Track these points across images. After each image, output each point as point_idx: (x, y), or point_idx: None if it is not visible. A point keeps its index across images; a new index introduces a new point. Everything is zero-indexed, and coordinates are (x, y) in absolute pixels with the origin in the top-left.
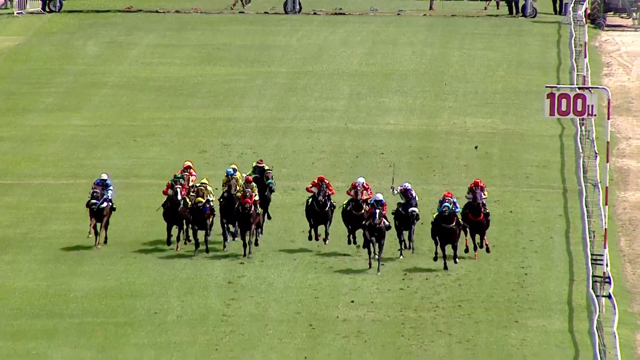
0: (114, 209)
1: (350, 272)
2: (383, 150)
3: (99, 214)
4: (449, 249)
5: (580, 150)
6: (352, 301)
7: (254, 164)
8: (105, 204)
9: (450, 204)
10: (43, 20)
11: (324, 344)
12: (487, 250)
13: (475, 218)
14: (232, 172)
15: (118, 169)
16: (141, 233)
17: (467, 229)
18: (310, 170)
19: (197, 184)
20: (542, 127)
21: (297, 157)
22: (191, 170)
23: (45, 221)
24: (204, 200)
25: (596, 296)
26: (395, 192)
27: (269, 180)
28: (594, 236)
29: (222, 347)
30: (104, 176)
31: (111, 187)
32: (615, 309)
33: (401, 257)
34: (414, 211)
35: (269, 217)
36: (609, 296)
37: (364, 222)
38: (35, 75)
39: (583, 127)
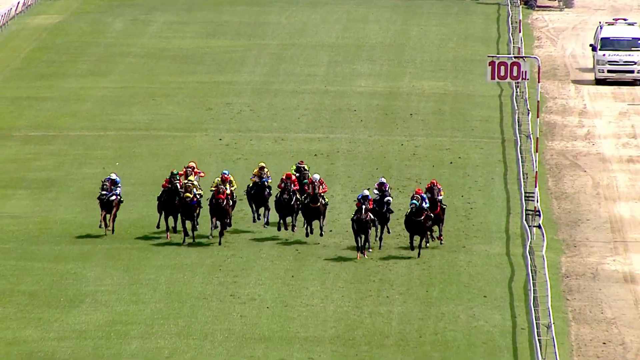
0: (122, 201)
1: (330, 207)
2: (355, 108)
3: (109, 205)
4: (418, 239)
5: (516, 108)
6: (331, 230)
7: (296, 164)
8: (114, 197)
9: (418, 201)
10: (79, 2)
11: (307, 265)
12: (440, 242)
13: (433, 211)
14: (227, 172)
15: (140, 123)
16: (159, 176)
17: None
18: (296, 124)
19: (186, 182)
20: (485, 89)
21: (286, 113)
22: (196, 170)
23: (81, 165)
24: (191, 195)
25: (528, 226)
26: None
27: (305, 180)
28: (527, 177)
29: (224, 267)
30: (113, 175)
31: (119, 185)
32: (544, 236)
33: (380, 249)
34: (389, 200)
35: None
36: (539, 226)
37: (352, 216)
38: (73, 47)
39: (518, 89)
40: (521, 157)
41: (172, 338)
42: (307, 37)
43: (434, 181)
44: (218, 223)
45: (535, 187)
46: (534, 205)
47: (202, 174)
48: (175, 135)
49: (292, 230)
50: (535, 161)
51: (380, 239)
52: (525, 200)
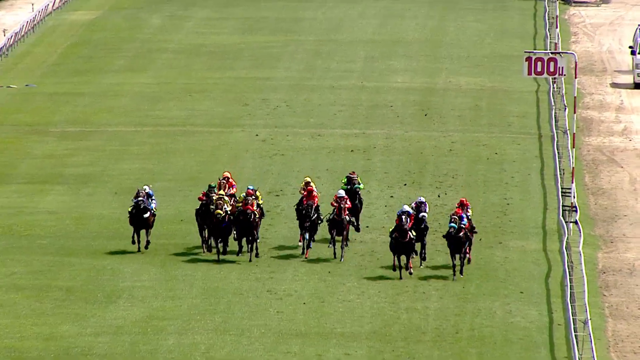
0: (155, 215)
1: (366, 203)
2: (392, 104)
3: (144, 224)
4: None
5: (553, 103)
6: (367, 226)
7: (347, 175)
8: (147, 214)
9: (456, 223)
10: None
11: (344, 261)
12: (468, 262)
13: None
14: (252, 187)
15: (176, 119)
16: (195, 171)
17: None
18: (332, 120)
19: (218, 197)
20: (522, 85)
21: (322, 109)
22: (230, 181)
23: (117, 161)
24: (222, 213)
25: (565, 222)
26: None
27: (356, 185)
28: (563, 173)
29: (261, 263)
30: (146, 188)
31: (154, 198)
32: (580, 232)
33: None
34: (424, 216)
35: (357, 229)
36: (576, 222)
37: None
38: (110, 43)
39: (555, 85)
40: (558, 152)
41: (208, 334)
42: (343, 33)
43: (463, 199)
44: (244, 242)
45: (572, 182)
46: (570, 201)
47: (234, 188)
48: (211, 131)
49: (308, 246)
50: (572, 157)
51: (422, 256)
52: (562, 196)
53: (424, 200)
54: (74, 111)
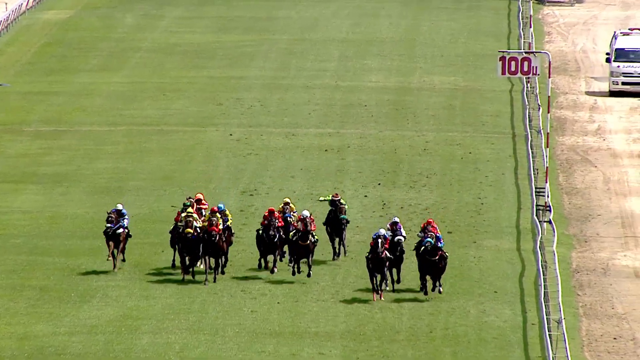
0: (130, 236)
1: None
2: (366, 103)
3: (116, 239)
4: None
5: (526, 103)
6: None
7: (331, 197)
8: (120, 230)
9: (433, 239)
10: None
11: (318, 261)
12: (439, 292)
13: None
14: (222, 207)
15: (150, 118)
16: (169, 170)
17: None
18: (307, 119)
19: (186, 215)
20: (495, 84)
21: (296, 108)
22: (202, 202)
23: (91, 160)
24: (192, 231)
25: (539, 221)
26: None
27: (342, 215)
28: (537, 173)
29: (235, 262)
30: (119, 206)
31: (127, 217)
32: (554, 231)
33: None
34: (400, 240)
35: (345, 253)
36: (550, 221)
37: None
38: (83, 42)
39: (528, 84)
40: (532, 152)
41: (182, 333)
42: (317, 32)
43: (431, 220)
44: (212, 262)
45: (546, 182)
46: (544, 201)
47: (205, 207)
48: (185, 130)
49: (272, 272)
50: (546, 156)
51: (396, 280)
52: (535, 195)
53: (397, 221)
54: (48, 110)
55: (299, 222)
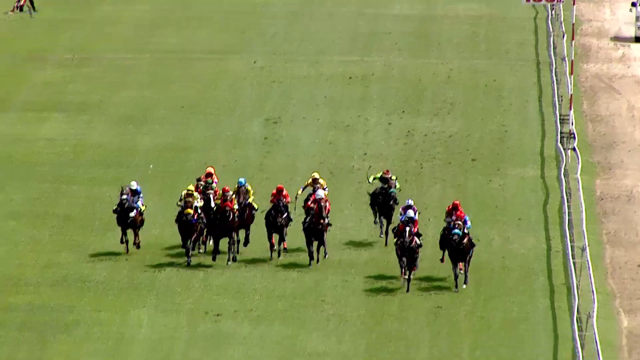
0: (142, 215)
1: (364, 131)
2: (390, 31)
3: (131, 225)
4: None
5: (551, 30)
6: (365, 154)
7: (380, 174)
8: (134, 212)
9: (460, 230)
10: None
11: (342, 188)
12: (465, 281)
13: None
14: (243, 182)
15: (175, 47)
16: (193, 99)
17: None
18: (331, 47)
19: (186, 193)
20: (520, 12)
21: (320, 36)
22: (213, 177)
23: (116, 89)
24: (192, 212)
25: (563, 149)
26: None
27: (392, 190)
28: (561, 100)
29: (259, 191)
30: (134, 184)
31: (141, 195)
32: (578, 159)
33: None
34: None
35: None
36: (574, 149)
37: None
38: None
39: (553, 12)
40: (556, 79)
41: (206, 258)
42: None
43: (457, 203)
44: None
45: (570, 109)
46: (568, 128)
47: (215, 182)
48: (210, 59)
49: (279, 254)
50: (570, 84)
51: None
52: (560, 123)
53: (411, 204)
54: (73, 39)
55: (313, 203)
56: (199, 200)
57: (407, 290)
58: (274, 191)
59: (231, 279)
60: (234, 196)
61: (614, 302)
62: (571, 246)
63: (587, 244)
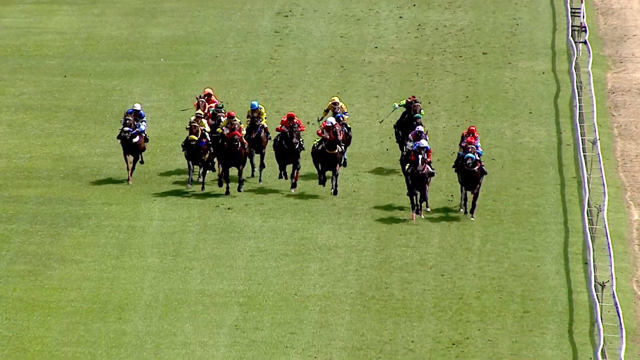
0: (147, 140)
1: (375, 23)
2: None
3: (133, 147)
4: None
5: None
6: (376, 47)
7: (406, 100)
8: (137, 138)
9: (474, 154)
10: None
11: (353, 82)
12: (471, 213)
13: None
14: (256, 105)
15: None
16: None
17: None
18: None
19: (191, 120)
20: None
21: None
22: (212, 98)
23: None
24: (197, 138)
25: (574, 42)
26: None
27: (417, 114)
28: None
29: (270, 84)
30: (137, 106)
31: (144, 119)
32: (589, 52)
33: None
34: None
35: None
36: (585, 42)
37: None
38: None
39: None
40: None
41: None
42: None
43: (473, 128)
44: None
45: (582, 2)
46: (580, 21)
47: (214, 104)
48: None
49: (293, 186)
50: None
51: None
52: (571, 15)
53: (422, 130)
54: None
55: (325, 131)
56: (206, 125)
57: (419, 213)
58: (284, 118)
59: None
60: (241, 124)
61: (625, 195)
62: (582, 139)
63: (597, 137)
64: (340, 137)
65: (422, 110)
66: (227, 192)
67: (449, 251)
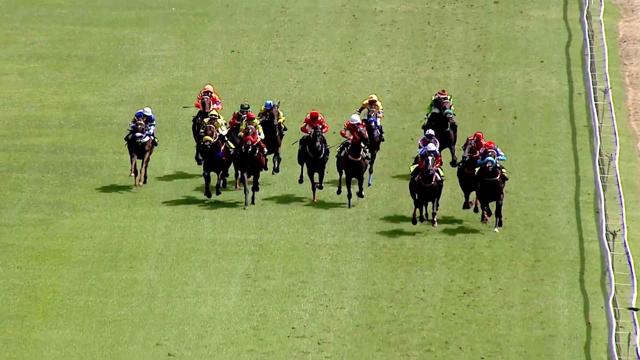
0: (156, 144)
1: None
2: None
3: (140, 149)
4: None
5: None
6: None
7: (436, 94)
8: (147, 139)
9: (494, 157)
10: None
11: (364, 30)
12: (499, 225)
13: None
14: (271, 103)
15: None
16: None
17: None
18: None
19: (208, 120)
20: None
21: None
22: (214, 96)
23: None
24: (212, 140)
25: None
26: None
27: (446, 110)
28: None
29: (281, 32)
30: (148, 111)
31: (154, 122)
32: (601, 0)
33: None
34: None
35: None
36: None
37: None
38: None
39: None
40: None
41: (229, 103)
42: None
43: (479, 134)
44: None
45: None
46: None
47: (219, 105)
48: None
49: (319, 187)
50: None
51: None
52: None
53: (432, 133)
54: None
55: (347, 131)
56: (222, 127)
57: (433, 224)
58: (307, 117)
59: None
60: (254, 128)
61: (636, 144)
62: (593, 88)
63: (609, 86)
64: (365, 138)
65: (452, 107)
66: (245, 205)
67: (460, 200)
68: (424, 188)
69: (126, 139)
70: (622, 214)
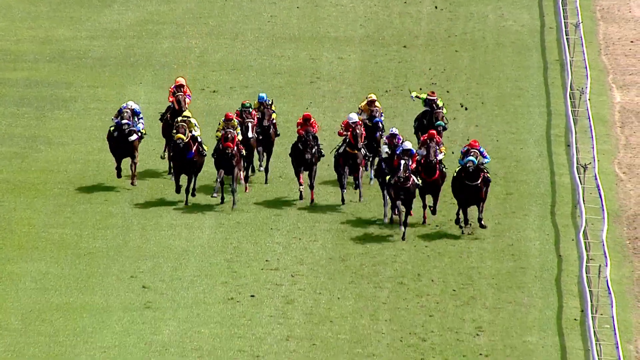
0: (142, 137)
1: None
2: None
3: (125, 148)
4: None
5: None
6: None
7: (426, 96)
8: (134, 137)
9: (476, 157)
10: None
11: None
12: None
13: (428, 178)
14: (264, 97)
15: None
16: None
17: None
18: None
19: (181, 119)
20: None
21: None
22: (185, 89)
23: None
24: (185, 138)
25: None
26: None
27: (438, 122)
28: None
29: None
30: (133, 104)
31: (142, 117)
32: None
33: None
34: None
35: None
36: None
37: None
38: None
39: None
40: None
41: (203, 38)
42: None
43: (434, 132)
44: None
45: None
46: None
47: (189, 99)
48: None
49: (310, 188)
50: None
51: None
52: None
53: (396, 132)
54: None
55: (344, 129)
56: (195, 128)
57: (403, 238)
58: (300, 119)
59: (227, 56)
60: (233, 131)
61: (607, 78)
62: (565, 22)
63: (580, 20)
64: (360, 141)
65: (443, 108)
66: (222, 201)
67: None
68: (397, 189)
69: (110, 138)
70: (593, 147)
